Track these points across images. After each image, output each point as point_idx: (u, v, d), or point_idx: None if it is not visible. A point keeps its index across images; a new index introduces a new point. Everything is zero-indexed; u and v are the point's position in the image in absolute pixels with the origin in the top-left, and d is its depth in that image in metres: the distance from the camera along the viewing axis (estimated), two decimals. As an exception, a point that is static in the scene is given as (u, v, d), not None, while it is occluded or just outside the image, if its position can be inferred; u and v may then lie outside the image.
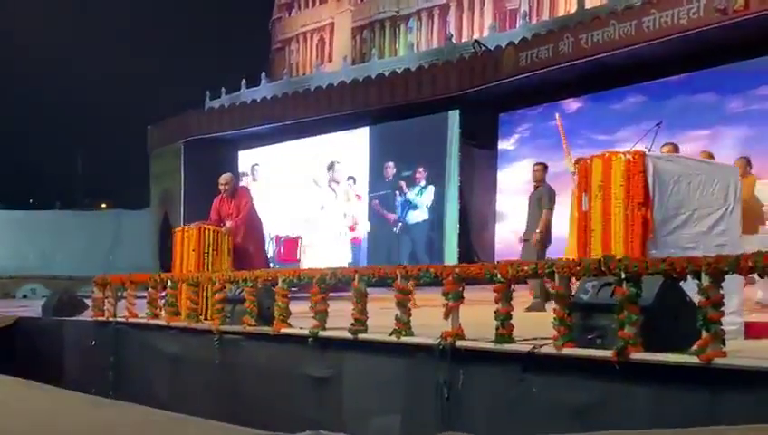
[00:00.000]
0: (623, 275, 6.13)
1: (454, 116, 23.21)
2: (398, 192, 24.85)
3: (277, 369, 9.50)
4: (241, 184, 14.02)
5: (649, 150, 8.26)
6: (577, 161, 11.41)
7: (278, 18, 35.87)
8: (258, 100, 28.77)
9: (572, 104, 21.23)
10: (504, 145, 22.72)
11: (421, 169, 24.28)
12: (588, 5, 24.66)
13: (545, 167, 13.03)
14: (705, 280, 5.66)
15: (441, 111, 23.35)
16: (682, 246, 7.41)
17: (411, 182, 24.67)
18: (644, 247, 7.36)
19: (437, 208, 23.78)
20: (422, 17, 31.07)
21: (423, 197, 24.47)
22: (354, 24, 32.78)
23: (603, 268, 6.27)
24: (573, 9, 25.32)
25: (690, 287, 6.30)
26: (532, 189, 12.99)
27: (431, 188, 24.18)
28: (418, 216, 24.54)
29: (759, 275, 5.36)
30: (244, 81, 31.41)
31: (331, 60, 33.20)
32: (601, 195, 7.68)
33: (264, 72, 32.03)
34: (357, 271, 8.41)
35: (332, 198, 26.18)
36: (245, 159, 28.44)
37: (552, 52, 20.79)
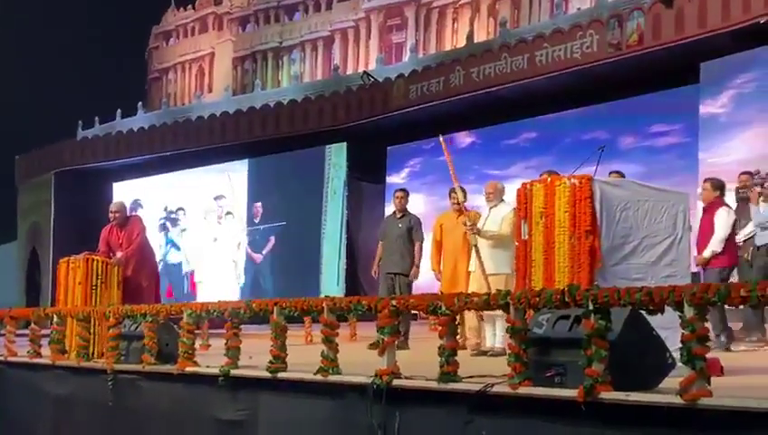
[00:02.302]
0: (590, 307, 5.59)
1: (333, 149, 22.79)
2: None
3: (182, 412, 8.69)
4: (133, 213, 13.10)
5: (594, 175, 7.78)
6: (454, 191, 11.04)
7: (155, 47, 34.92)
8: (135, 130, 27.72)
9: (465, 138, 20.95)
10: (394, 179, 22.29)
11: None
12: (477, 39, 24.49)
13: (408, 193, 12.37)
14: (689, 311, 5.17)
15: (328, 143, 22.87)
16: (630, 277, 6.97)
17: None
18: (591, 278, 6.88)
19: (310, 245, 23.18)
20: (306, 48, 30.61)
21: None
22: (235, 54, 32.15)
23: (567, 299, 5.72)
24: (461, 44, 25.09)
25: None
26: (392, 217, 12.12)
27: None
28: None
29: (752, 306, 4.90)
30: (119, 110, 30.21)
31: (211, 90, 32.45)
32: (543, 222, 7.18)
33: (140, 102, 30.97)
34: (276, 303, 7.69)
35: (220, 233, 25.33)
36: (120, 190, 27.31)
37: (443, 84, 20.56)
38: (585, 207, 6.93)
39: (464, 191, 10.67)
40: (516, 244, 7.51)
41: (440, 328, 6.49)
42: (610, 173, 10.00)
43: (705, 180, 10.66)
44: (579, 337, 5.76)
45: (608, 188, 7.10)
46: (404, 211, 11.94)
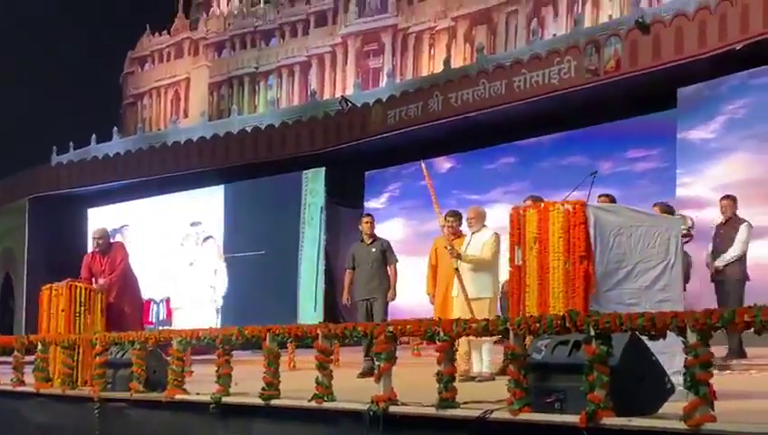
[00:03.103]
0: (592, 332, 5.61)
1: (310, 174, 22.79)
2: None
3: (171, 440, 8.62)
4: (115, 240, 13.07)
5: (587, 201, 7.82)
6: (450, 214, 11.13)
7: (130, 72, 34.85)
8: (110, 155, 27.60)
9: (444, 163, 21.00)
10: (372, 204, 22.26)
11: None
12: (454, 65, 24.59)
13: (373, 218, 12.42)
14: (693, 337, 5.19)
15: (306, 168, 22.86)
16: (624, 303, 7.00)
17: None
18: (586, 303, 6.90)
19: (287, 270, 23.09)
20: (282, 74, 30.64)
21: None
22: (211, 79, 32.13)
23: (568, 324, 5.73)
24: (438, 69, 25.21)
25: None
26: (362, 244, 12.08)
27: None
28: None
29: (756, 331, 4.92)
30: (94, 135, 30.07)
31: (187, 115, 32.38)
32: (537, 248, 7.20)
33: (115, 128, 30.84)
34: (269, 329, 7.66)
35: (197, 258, 25.19)
36: (95, 216, 27.14)
37: (422, 109, 20.59)
38: (579, 232, 6.96)
39: (459, 216, 10.69)
40: (509, 268, 7.52)
41: (438, 354, 6.47)
42: (599, 196, 10.05)
43: (655, 205, 10.81)
44: (579, 363, 5.77)
45: (601, 213, 7.13)
46: (373, 236, 11.93)
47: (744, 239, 11.31)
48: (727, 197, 11.96)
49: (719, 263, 11.24)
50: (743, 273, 11.35)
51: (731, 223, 11.56)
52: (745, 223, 11.47)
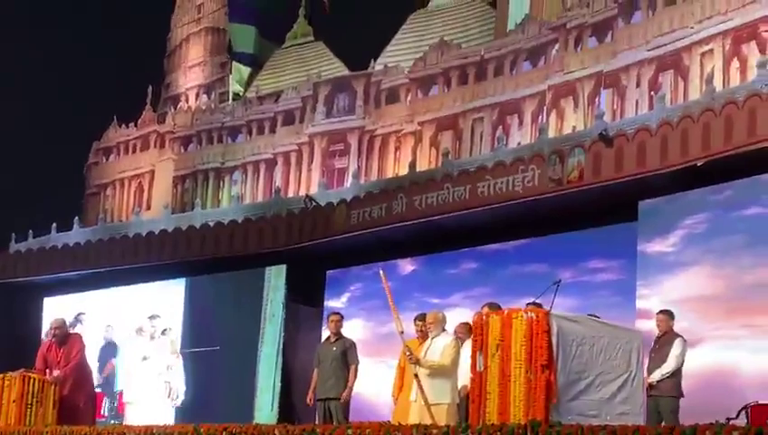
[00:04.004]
0: (553, 443, 5.58)
1: (272, 271, 22.73)
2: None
3: None
4: (73, 331, 12.95)
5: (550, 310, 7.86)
6: (419, 318, 11.18)
7: (94, 163, 34.77)
8: (70, 244, 27.40)
9: (407, 266, 21.02)
10: (333, 303, 22.19)
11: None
12: (419, 168, 24.82)
13: (342, 317, 12.51)
14: (655, 451, 5.18)
15: (268, 265, 22.80)
16: (585, 414, 7.03)
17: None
18: (547, 413, 6.90)
19: (245, 368, 22.87)
20: (248, 170, 30.71)
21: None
22: (176, 172, 32.10)
23: (529, 434, 5.70)
24: (403, 171, 25.44)
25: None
26: (327, 342, 12.15)
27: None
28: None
29: (719, 447, 4.91)
30: (54, 225, 29.86)
31: (150, 207, 32.25)
32: (499, 354, 7.22)
33: (76, 217, 30.66)
34: (226, 428, 7.55)
35: (150, 352, 24.84)
36: (51, 306, 26.83)
37: (386, 211, 20.67)
38: (542, 340, 7.00)
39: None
40: (471, 375, 7.51)
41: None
42: (528, 304, 10.08)
43: (589, 315, 10.88)
44: (538, 473, 5.73)
45: (564, 323, 7.19)
46: (339, 335, 11.99)
47: (678, 354, 11.48)
48: (662, 311, 12.22)
49: (653, 378, 11.33)
50: (677, 388, 11.44)
51: (666, 337, 11.78)
52: (679, 338, 11.66)
